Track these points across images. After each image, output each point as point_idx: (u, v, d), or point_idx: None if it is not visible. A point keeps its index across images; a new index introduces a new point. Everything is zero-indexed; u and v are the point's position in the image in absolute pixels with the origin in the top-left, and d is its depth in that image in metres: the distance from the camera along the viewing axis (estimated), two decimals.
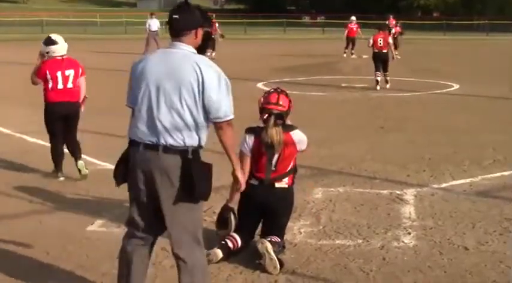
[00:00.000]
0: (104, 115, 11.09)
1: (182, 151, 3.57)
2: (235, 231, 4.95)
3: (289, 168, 4.91)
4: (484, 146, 9.09)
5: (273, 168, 4.85)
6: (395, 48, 26.92)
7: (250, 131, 4.92)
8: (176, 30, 3.66)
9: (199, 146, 3.64)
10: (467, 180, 7.24)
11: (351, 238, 5.37)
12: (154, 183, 3.59)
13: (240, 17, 65.24)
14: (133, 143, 3.66)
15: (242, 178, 3.88)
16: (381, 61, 16.35)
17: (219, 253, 4.76)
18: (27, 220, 5.95)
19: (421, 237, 5.38)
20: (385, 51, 16.47)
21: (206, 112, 3.58)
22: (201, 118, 3.58)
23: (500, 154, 8.50)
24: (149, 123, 3.58)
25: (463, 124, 11.12)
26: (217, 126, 3.64)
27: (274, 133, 4.75)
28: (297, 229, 5.57)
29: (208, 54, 25.01)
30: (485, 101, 14.41)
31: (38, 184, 7.09)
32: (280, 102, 4.81)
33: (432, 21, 63.01)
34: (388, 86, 16.28)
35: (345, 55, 27.08)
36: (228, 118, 3.62)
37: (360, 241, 5.30)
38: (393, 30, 27.57)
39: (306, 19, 73.92)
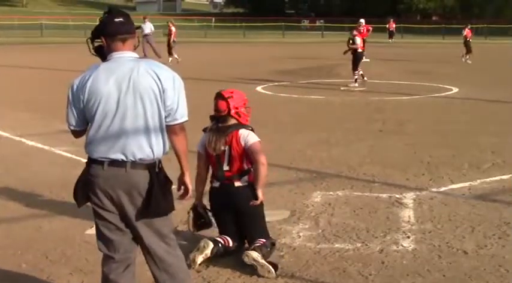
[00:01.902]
0: None
1: (150, 165, 3.43)
2: (221, 234, 4.97)
3: (245, 167, 4.91)
4: (483, 150, 9.09)
5: (227, 168, 4.88)
6: (469, 52, 26.67)
7: (205, 130, 5.02)
8: (123, 35, 3.44)
9: (164, 153, 3.51)
10: (467, 184, 7.23)
11: (350, 242, 5.36)
12: (120, 201, 3.42)
13: (239, 21, 65.35)
14: (94, 162, 3.44)
15: (190, 185, 3.69)
16: (360, 60, 17.99)
17: (210, 242, 4.76)
18: (26, 224, 5.95)
19: (420, 241, 5.37)
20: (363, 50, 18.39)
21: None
22: (164, 122, 3.46)
23: (499, 158, 8.50)
24: (113, 140, 3.39)
25: (462, 127, 11.11)
26: (171, 130, 3.47)
27: (209, 136, 4.89)
28: (296, 232, 5.57)
29: (171, 59, 24.72)
30: (484, 104, 14.43)
31: (36, 187, 7.08)
32: (217, 107, 4.90)
33: (431, 25, 63.23)
34: (357, 84, 17.25)
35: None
36: (184, 119, 3.50)
37: (358, 245, 5.29)
38: (464, 32, 27.41)
39: (305, 23, 74.10)
